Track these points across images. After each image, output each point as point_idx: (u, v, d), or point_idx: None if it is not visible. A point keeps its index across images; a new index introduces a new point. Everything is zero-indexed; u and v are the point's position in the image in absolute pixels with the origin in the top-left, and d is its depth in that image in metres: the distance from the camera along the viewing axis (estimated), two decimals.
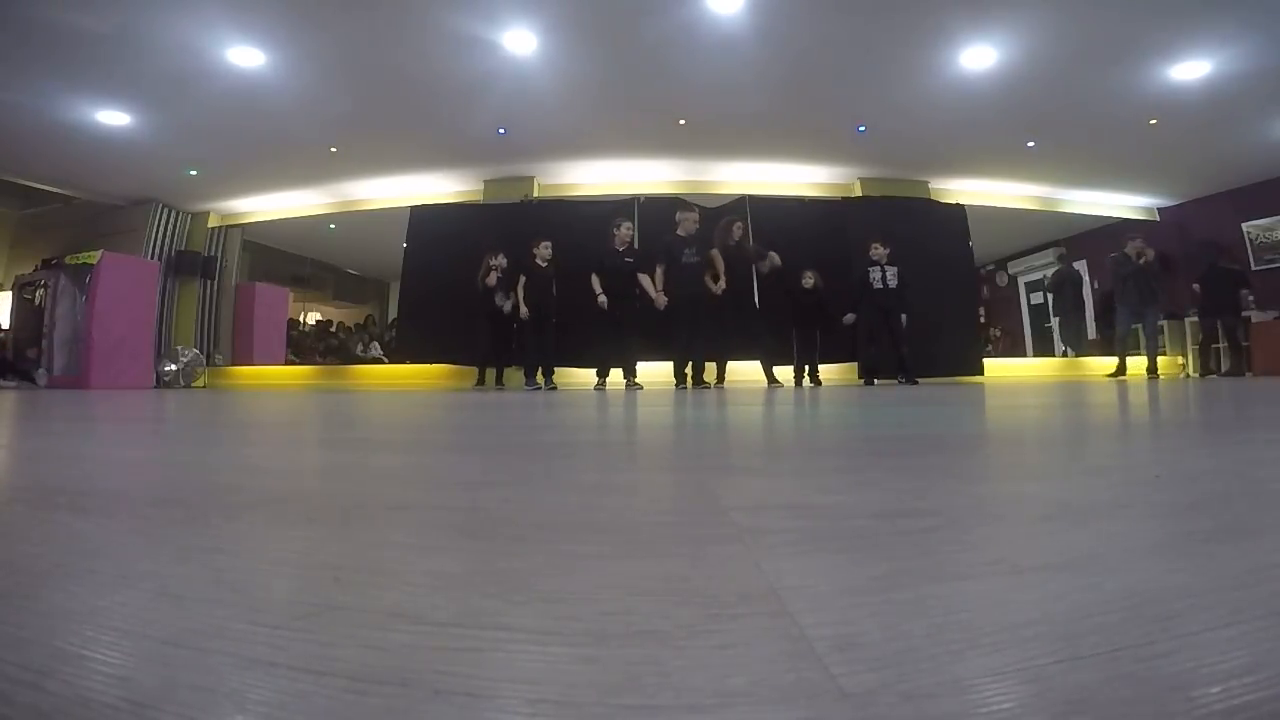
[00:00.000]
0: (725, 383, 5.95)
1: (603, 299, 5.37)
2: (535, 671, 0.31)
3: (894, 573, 0.46)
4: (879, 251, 5.96)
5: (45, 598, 0.43)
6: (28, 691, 0.29)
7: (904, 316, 5.82)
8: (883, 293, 5.91)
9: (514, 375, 6.21)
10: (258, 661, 0.33)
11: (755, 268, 5.87)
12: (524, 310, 5.66)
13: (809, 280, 5.87)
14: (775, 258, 5.79)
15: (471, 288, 5.99)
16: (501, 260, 5.94)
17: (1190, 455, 1.18)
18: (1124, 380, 6.02)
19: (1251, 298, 7.27)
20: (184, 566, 0.50)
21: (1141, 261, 6.33)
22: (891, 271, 5.93)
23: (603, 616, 0.38)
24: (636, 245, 5.66)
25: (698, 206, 5.97)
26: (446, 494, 0.85)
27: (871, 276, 5.96)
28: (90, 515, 0.70)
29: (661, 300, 5.38)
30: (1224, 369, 7.29)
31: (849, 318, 6.03)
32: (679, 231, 5.49)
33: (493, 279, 5.90)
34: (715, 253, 5.54)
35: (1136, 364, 6.64)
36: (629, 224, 5.58)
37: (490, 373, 6.20)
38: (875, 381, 5.98)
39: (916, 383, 5.65)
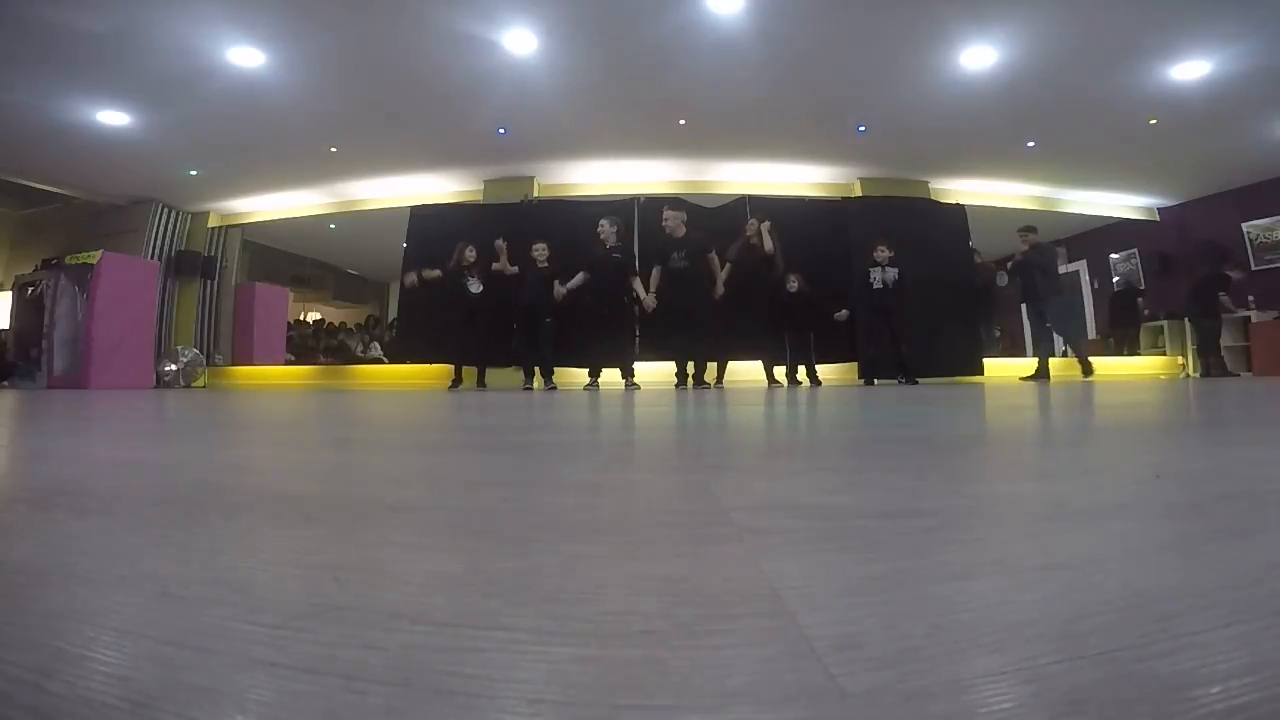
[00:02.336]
0: (725, 383, 5.96)
1: (506, 264, 5.82)
2: (535, 671, 0.31)
3: (894, 573, 0.46)
4: (883, 254, 5.96)
5: (45, 598, 0.43)
6: (28, 692, 0.29)
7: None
8: (882, 293, 5.92)
9: (510, 375, 6.19)
10: (258, 661, 0.33)
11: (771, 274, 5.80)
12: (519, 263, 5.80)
13: (793, 284, 5.88)
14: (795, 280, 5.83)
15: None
16: (471, 254, 5.94)
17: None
18: (1041, 381, 5.78)
19: (1226, 298, 7.26)
20: (184, 567, 0.50)
21: (1018, 256, 6.22)
22: (891, 272, 5.94)
23: (603, 616, 0.38)
24: (618, 241, 5.62)
25: (686, 205, 5.91)
26: (446, 493, 0.85)
27: (871, 277, 5.97)
28: (90, 515, 0.70)
29: (650, 302, 5.42)
30: (1224, 370, 7.27)
31: (842, 314, 6.03)
32: (667, 233, 5.49)
33: (470, 255, 5.92)
34: (712, 256, 5.54)
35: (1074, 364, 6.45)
36: (604, 222, 5.59)
37: (470, 372, 6.13)
38: (875, 381, 5.98)
39: (916, 383, 5.65)
